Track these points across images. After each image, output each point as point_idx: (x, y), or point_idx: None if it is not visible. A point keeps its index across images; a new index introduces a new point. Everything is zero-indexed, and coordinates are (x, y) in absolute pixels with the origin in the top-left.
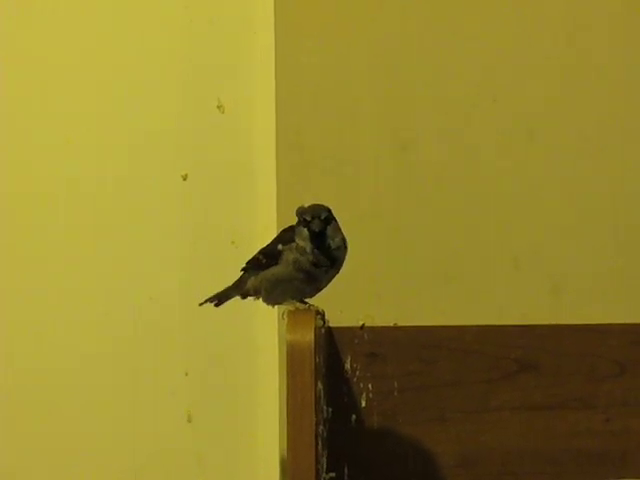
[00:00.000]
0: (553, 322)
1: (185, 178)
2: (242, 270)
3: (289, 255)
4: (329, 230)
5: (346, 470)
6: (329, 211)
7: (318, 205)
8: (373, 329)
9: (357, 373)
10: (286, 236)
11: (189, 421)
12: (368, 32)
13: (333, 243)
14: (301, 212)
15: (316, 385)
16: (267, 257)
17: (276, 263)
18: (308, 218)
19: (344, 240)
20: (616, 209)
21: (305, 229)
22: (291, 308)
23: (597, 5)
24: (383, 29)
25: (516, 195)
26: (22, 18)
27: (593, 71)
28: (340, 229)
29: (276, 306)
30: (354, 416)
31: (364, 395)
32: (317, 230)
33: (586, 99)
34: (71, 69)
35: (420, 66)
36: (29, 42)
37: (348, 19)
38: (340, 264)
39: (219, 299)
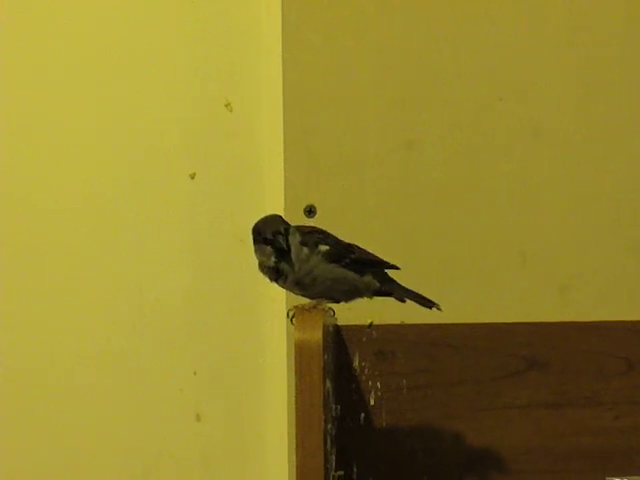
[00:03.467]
0: (561, 320)
1: (193, 177)
2: None
3: None
4: (290, 239)
5: (355, 468)
6: (280, 221)
7: (268, 219)
8: (381, 327)
9: (365, 371)
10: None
11: (198, 420)
12: (374, 32)
13: (292, 254)
14: (259, 229)
15: (325, 384)
16: None
17: None
18: (269, 236)
19: (293, 251)
20: (623, 207)
21: (268, 247)
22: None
23: (602, 4)
24: (389, 29)
25: (523, 193)
26: (28, 16)
27: (599, 70)
28: (296, 234)
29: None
30: (363, 414)
31: (373, 393)
32: (283, 247)
33: (592, 97)
34: (78, 68)
35: (426, 65)
36: (36, 38)
37: (354, 19)
38: (289, 275)
39: None
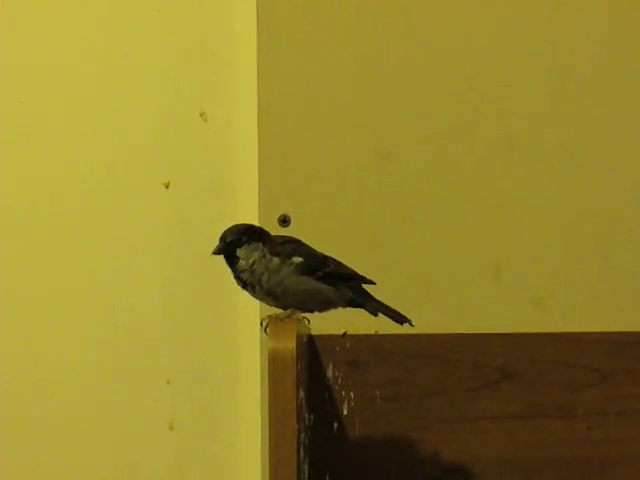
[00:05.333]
0: (534, 331)
1: (167, 186)
2: None
3: None
4: (239, 252)
5: (327, 478)
6: (241, 233)
7: (231, 227)
8: (355, 337)
9: (339, 381)
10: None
11: (171, 429)
12: (350, 41)
13: (240, 266)
14: None
15: (298, 393)
16: None
17: None
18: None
19: (259, 262)
20: (597, 219)
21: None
22: (273, 316)
23: (580, 17)
24: (365, 40)
25: (497, 205)
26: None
27: (575, 82)
28: (259, 249)
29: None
30: (336, 424)
31: (346, 403)
32: (217, 252)
33: (567, 109)
34: (51, 78)
35: (401, 76)
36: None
37: (330, 29)
38: (257, 286)
39: None
